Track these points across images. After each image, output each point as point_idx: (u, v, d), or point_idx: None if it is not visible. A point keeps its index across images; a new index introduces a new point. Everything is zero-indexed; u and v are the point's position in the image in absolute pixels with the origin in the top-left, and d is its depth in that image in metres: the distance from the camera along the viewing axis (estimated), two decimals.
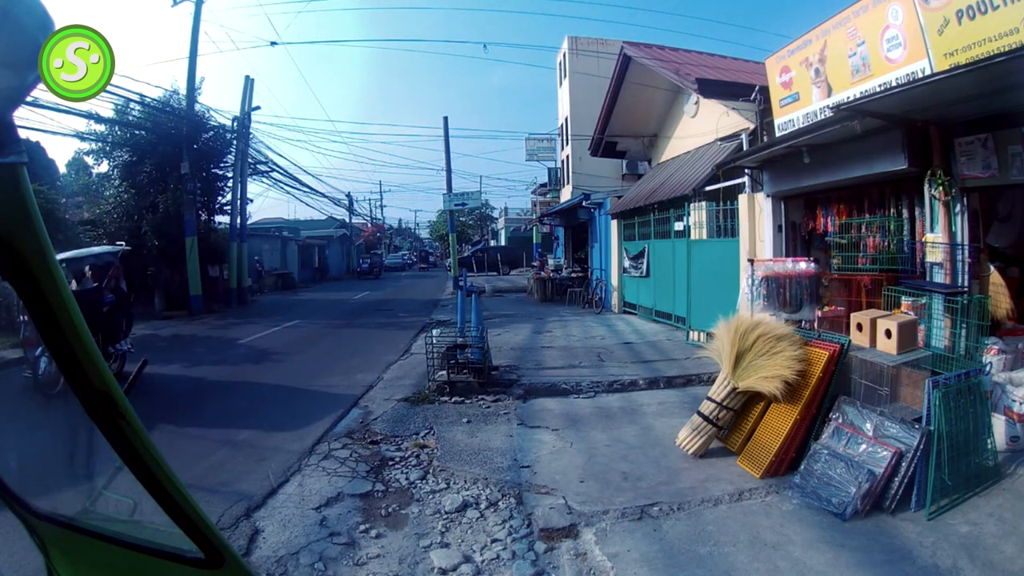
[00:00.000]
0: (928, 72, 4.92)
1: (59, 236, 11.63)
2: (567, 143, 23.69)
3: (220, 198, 17.87)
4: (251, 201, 27.51)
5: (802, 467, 3.73)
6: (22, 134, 0.81)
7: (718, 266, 8.38)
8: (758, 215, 7.69)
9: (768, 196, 7.45)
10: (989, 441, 3.65)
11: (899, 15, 5.27)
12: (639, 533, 3.27)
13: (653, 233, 10.95)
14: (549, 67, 37.15)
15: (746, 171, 7.81)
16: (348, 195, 38.12)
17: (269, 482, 4.05)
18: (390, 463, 4.45)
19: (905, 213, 5.67)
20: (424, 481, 4.10)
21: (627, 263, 12.16)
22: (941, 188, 4.81)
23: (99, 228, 15.30)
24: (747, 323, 4.38)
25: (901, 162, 5.11)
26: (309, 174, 57.49)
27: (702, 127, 10.27)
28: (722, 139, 9.31)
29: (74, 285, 7.19)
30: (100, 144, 15.80)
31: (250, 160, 18.31)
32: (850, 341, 4.22)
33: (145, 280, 15.52)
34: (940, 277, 4.88)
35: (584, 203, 14.99)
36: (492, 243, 46.89)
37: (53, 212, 11.89)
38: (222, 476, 4.19)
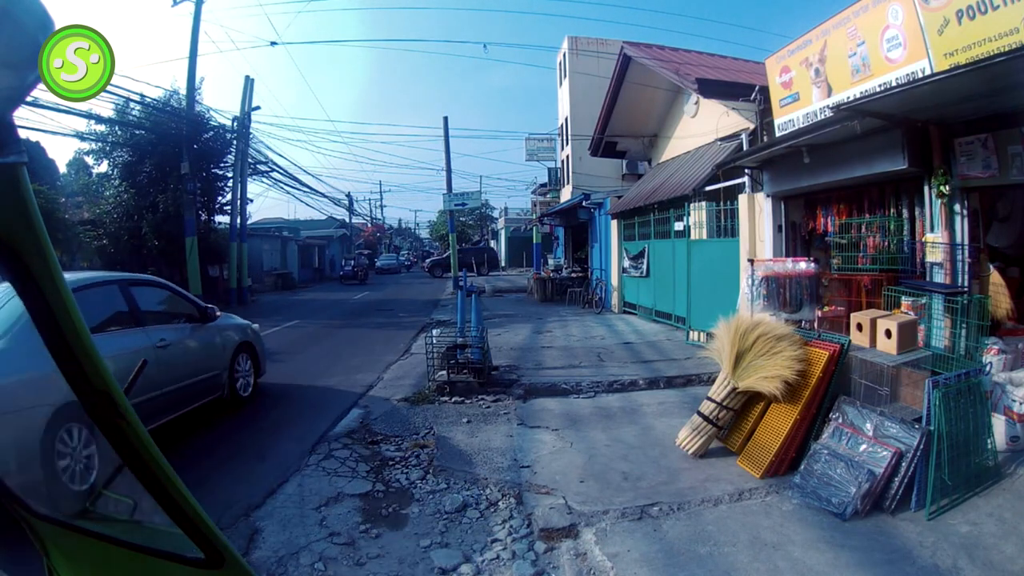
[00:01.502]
0: (928, 72, 4.92)
1: (59, 236, 11.62)
2: (567, 143, 23.68)
3: (220, 198, 17.91)
4: (251, 201, 27.57)
5: (802, 467, 3.73)
6: (22, 134, 0.81)
7: (718, 266, 8.38)
8: (758, 215, 7.69)
9: (768, 196, 7.45)
10: (989, 441, 3.65)
11: (899, 15, 5.27)
12: (639, 533, 3.27)
13: (653, 233, 10.95)
14: (549, 67, 37.17)
15: (746, 171, 7.81)
16: (348, 195, 38.14)
17: (269, 482, 4.06)
18: (390, 463, 4.45)
19: (905, 213, 5.67)
20: (424, 481, 4.10)
21: (627, 263, 12.16)
22: (941, 188, 4.81)
23: (99, 228, 15.33)
24: (747, 323, 4.38)
25: (901, 162, 5.11)
26: (309, 174, 57.58)
27: (702, 127, 10.27)
28: (722, 139, 9.31)
29: None
30: (100, 144, 15.84)
31: (250, 160, 18.33)
32: (850, 341, 4.22)
33: None
34: (940, 277, 4.88)
35: (584, 203, 15.00)
36: (492, 243, 46.85)
37: (53, 212, 11.88)
38: (222, 476, 4.19)
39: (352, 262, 28.94)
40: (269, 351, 9.35)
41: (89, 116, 14.48)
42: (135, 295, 4.94)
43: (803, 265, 5.72)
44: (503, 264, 40.88)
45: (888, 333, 4.11)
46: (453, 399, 6.07)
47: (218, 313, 6.09)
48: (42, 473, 3.25)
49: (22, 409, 3.37)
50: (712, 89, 8.85)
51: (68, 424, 3.54)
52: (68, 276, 4.69)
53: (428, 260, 36.57)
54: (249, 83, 17.82)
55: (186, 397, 5.15)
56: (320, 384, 7.01)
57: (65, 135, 21.44)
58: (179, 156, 14.87)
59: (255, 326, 6.70)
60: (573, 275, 16.99)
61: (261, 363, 6.63)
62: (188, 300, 5.82)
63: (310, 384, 7.04)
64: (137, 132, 15.56)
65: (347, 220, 39.18)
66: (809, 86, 6.64)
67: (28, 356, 3.36)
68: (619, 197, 13.17)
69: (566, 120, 23.83)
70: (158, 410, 4.69)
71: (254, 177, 19.29)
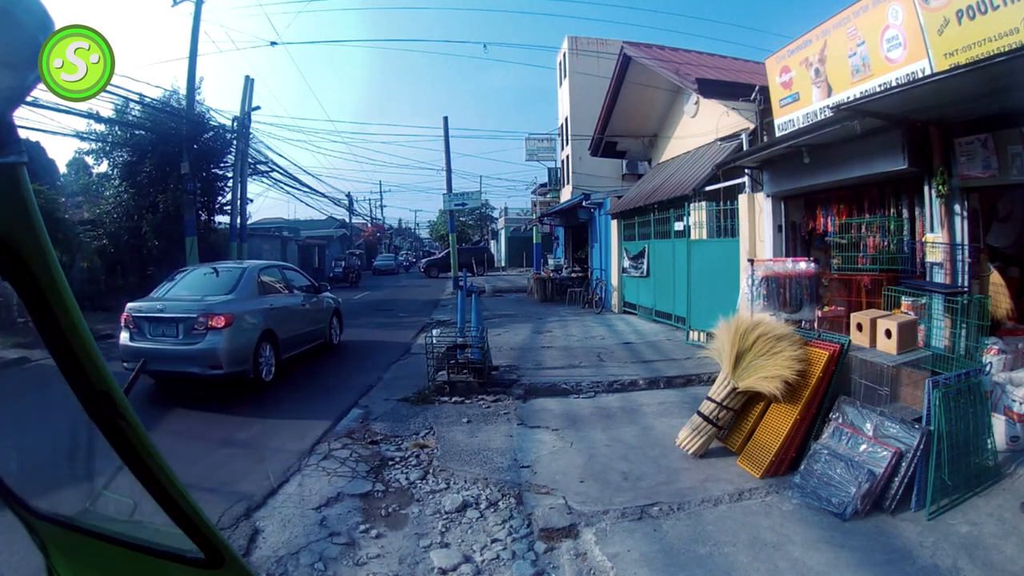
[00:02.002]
0: (928, 72, 4.92)
1: (59, 236, 11.61)
2: (567, 143, 23.67)
3: (220, 198, 17.87)
4: (251, 201, 27.39)
5: (802, 467, 3.73)
6: (22, 134, 0.81)
7: (718, 266, 8.38)
8: (758, 215, 7.69)
9: (768, 196, 7.45)
10: (989, 441, 3.65)
11: (899, 15, 5.27)
12: (639, 533, 3.27)
13: (653, 233, 10.95)
14: (549, 67, 37.07)
15: (746, 171, 7.81)
16: (348, 195, 38.05)
17: (269, 482, 4.05)
18: (390, 463, 4.45)
19: (905, 213, 5.67)
20: (424, 481, 4.10)
21: (627, 263, 12.16)
22: (941, 188, 4.81)
23: (99, 228, 15.30)
24: (747, 323, 4.38)
25: (901, 162, 5.11)
26: (309, 174, 57.47)
27: (702, 127, 10.27)
28: (722, 139, 9.31)
29: None
30: (100, 144, 15.80)
31: (250, 160, 18.29)
32: (850, 341, 4.22)
33: (145, 280, 15.52)
34: (940, 277, 4.88)
35: (584, 203, 14.99)
36: (491, 243, 46.79)
37: (53, 212, 11.87)
38: (222, 476, 4.19)
39: (343, 263, 26.90)
40: None
41: (89, 116, 14.45)
42: (286, 273, 8.62)
43: (803, 265, 5.72)
44: (502, 264, 40.91)
45: (888, 333, 4.12)
46: (453, 399, 6.07)
47: (326, 288, 9.51)
48: (251, 364, 6.46)
49: (246, 328, 6.51)
50: (712, 89, 8.85)
51: (263, 343, 6.75)
52: (254, 262, 9.43)
53: (424, 260, 36.43)
54: (249, 83, 17.79)
55: (313, 338, 8.48)
56: (319, 384, 7.03)
57: (65, 135, 21.44)
58: (179, 156, 14.83)
59: (339, 299, 9.88)
60: (573, 275, 16.99)
61: (342, 324, 9.87)
62: (307, 279, 9.09)
63: (309, 384, 7.06)
64: (137, 132, 15.52)
65: (347, 220, 39.15)
66: (809, 86, 6.64)
67: (247, 300, 6.79)
68: (619, 197, 13.17)
69: (566, 120, 23.83)
70: (303, 341, 8.06)
71: (254, 177, 19.22)
